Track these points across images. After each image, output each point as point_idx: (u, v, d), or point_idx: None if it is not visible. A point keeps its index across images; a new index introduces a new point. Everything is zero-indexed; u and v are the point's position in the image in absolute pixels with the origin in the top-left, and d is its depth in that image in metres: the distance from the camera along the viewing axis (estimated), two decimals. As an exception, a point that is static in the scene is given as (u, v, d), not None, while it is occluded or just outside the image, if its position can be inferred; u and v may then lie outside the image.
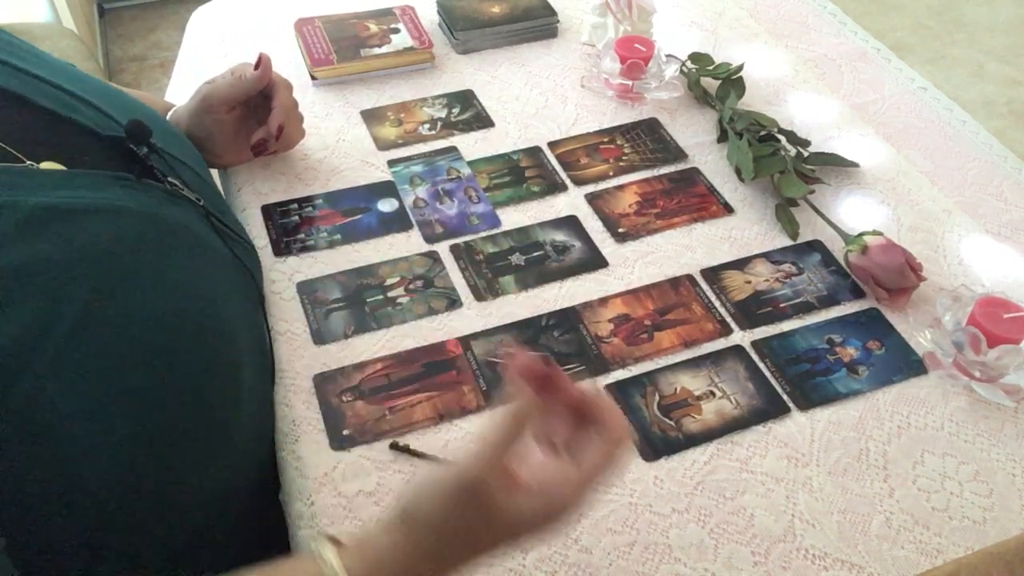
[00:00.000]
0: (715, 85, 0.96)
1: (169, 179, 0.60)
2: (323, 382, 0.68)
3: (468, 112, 0.94)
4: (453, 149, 0.89)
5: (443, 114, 0.93)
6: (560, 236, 0.80)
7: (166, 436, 0.51)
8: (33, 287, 0.47)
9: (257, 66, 0.79)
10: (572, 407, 0.49)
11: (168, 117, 0.81)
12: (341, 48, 0.98)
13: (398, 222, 0.81)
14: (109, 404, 0.48)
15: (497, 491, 0.45)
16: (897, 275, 0.73)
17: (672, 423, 0.66)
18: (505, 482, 0.46)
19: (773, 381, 0.69)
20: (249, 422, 0.60)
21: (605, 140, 0.91)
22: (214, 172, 0.87)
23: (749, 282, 0.77)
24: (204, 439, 0.54)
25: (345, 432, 0.64)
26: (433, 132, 0.91)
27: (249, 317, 0.65)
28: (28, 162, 0.52)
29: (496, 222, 0.81)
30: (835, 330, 0.73)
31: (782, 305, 0.75)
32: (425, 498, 0.46)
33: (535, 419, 0.47)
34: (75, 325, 0.47)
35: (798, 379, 0.69)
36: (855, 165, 0.88)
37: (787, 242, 0.80)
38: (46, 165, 0.53)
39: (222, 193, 0.86)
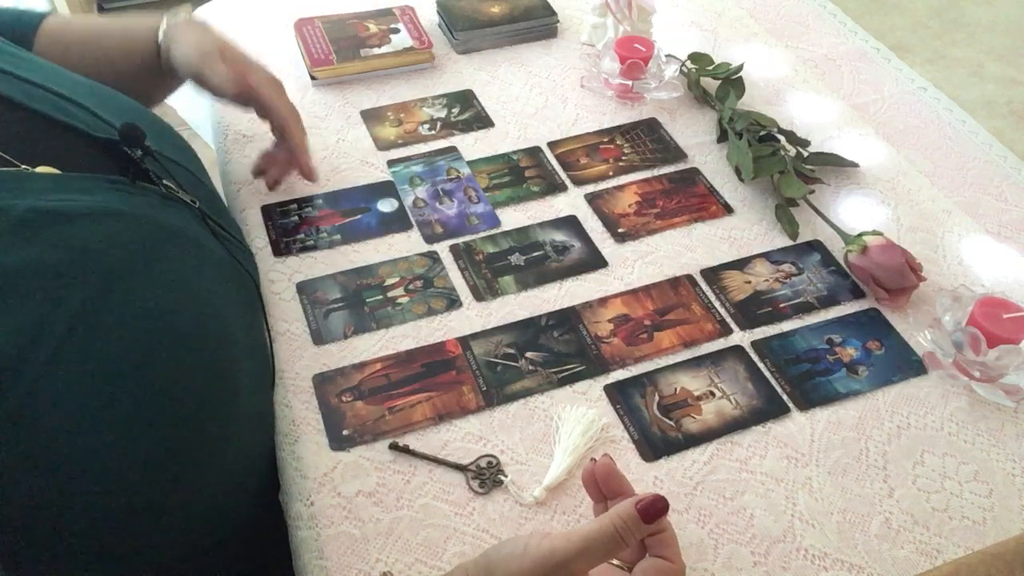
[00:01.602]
0: (715, 85, 0.96)
1: (164, 181, 0.60)
2: (323, 382, 0.68)
3: (468, 112, 0.94)
4: (453, 149, 0.89)
5: (443, 114, 0.93)
6: (560, 236, 0.80)
7: (162, 439, 0.51)
8: (26, 291, 0.46)
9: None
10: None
11: (162, 36, 0.77)
12: (341, 48, 0.98)
13: (398, 222, 0.81)
14: (104, 408, 0.47)
15: None
16: (897, 275, 0.73)
17: (672, 423, 0.66)
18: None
19: (773, 381, 0.69)
20: (247, 423, 0.60)
21: (605, 140, 0.91)
22: (213, 174, 0.87)
23: (749, 282, 0.77)
24: (201, 441, 0.54)
25: (345, 432, 0.64)
26: (433, 132, 0.91)
27: (246, 319, 0.65)
28: (23, 166, 0.52)
29: (496, 222, 0.81)
30: (835, 330, 0.73)
31: (782, 305, 0.75)
32: (511, 558, 0.47)
33: (625, 549, 0.48)
34: (69, 329, 0.47)
35: (798, 379, 0.69)
36: (855, 165, 0.88)
37: (787, 242, 0.80)
38: (41, 169, 0.53)
39: (221, 192, 0.86)
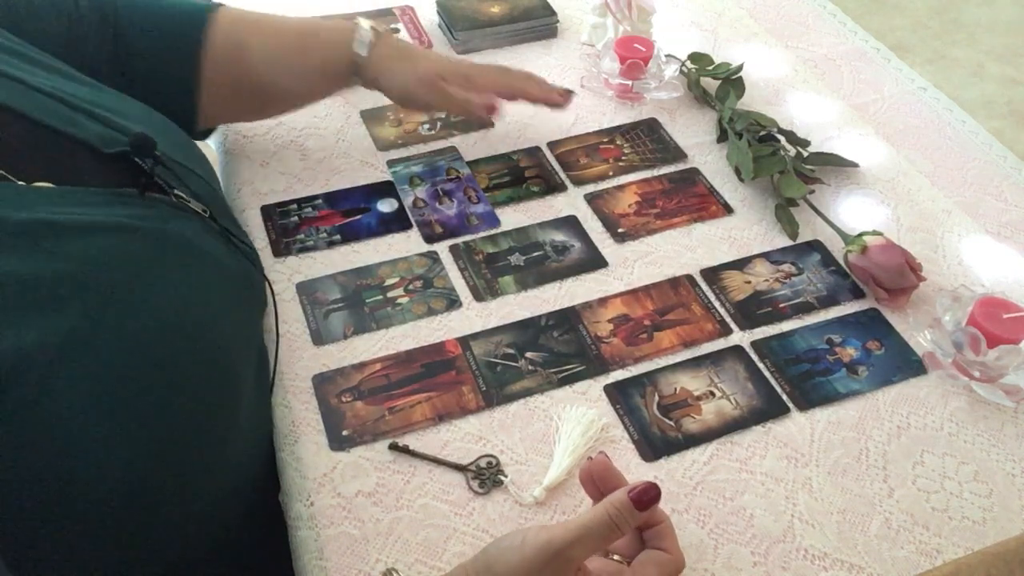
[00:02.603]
0: (715, 85, 0.96)
1: (176, 191, 0.59)
2: (322, 383, 0.68)
3: (468, 112, 0.94)
4: (453, 149, 0.89)
5: (443, 114, 0.93)
6: (560, 236, 0.80)
7: (163, 447, 0.51)
8: (22, 302, 0.46)
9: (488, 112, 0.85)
10: (638, 527, 0.52)
11: (359, 48, 0.80)
12: (341, 48, 0.98)
13: (398, 222, 0.81)
14: (104, 417, 0.47)
15: (575, 570, 0.48)
16: (897, 275, 0.73)
17: (672, 423, 0.66)
18: (582, 567, 0.48)
19: (773, 381, 0.69)
20: (247, 426, 0.60)
21: (605, 140, 0.91)
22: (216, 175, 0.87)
23: (749, 282, 0.77)
24: (202, 449, 0.54)
25: (344, 433, 0.64)
26: (432, 132, 0.91)
27: (250, 324, 0.65)
28: (19, 182, 0.51)
29: (495, 222, 0.81)
30: (835, 330, 0.73)
31: (782, 305, 0.75)
32: (510, 551, 0.48)
33: (621, 536, 0.49)
34: (68, 341, 0.47)
35: (798, 379, 0.69)
36: (855, 165, 0.88)
37: (787, 242, 0.80)
38: (39, 185, 0.52)
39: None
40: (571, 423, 0.64)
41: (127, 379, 0.49)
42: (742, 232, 0.82)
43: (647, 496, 0.49)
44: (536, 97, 0.87)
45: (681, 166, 0.88)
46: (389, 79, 0.81)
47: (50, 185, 0.53)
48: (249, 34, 0.77)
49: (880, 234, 0.76)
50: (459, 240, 0.80)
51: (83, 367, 0.47)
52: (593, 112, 0.95)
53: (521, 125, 0.92)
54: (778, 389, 0.68)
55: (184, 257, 0.57)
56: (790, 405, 0.67)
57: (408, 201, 0.83)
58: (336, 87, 0.85)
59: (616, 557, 0.52)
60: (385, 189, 0.84)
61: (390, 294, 0.75)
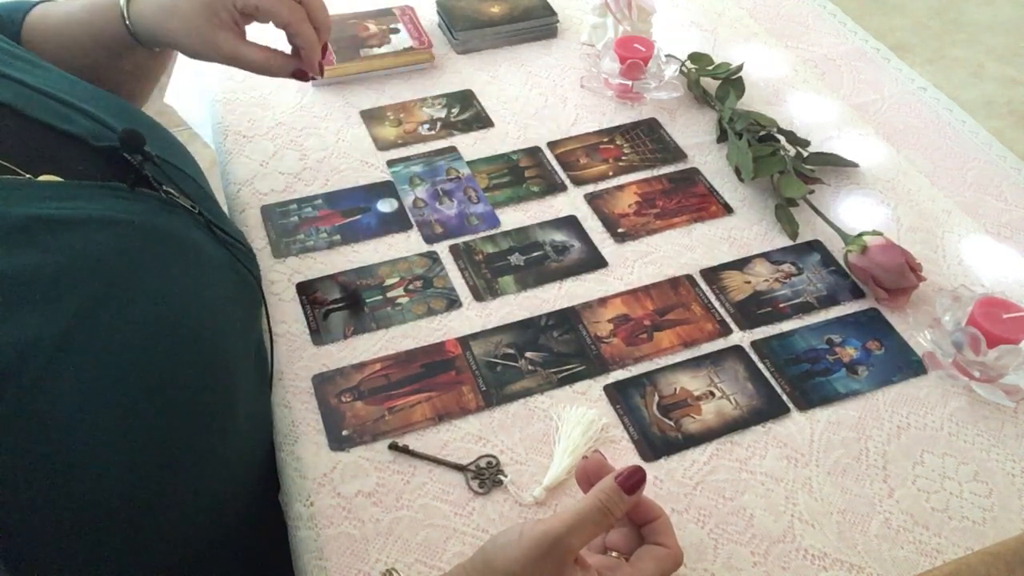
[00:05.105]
0: (715, 85, 0.96)
1: (164, 187, 0.59)
2: (322, 383, 0.68)
3: (468, 112, 0.94)
4: (452, 149, 0.89)
5: (443, 114, 0.93)
6: (559, 236, 0.80)
7: (160, 443, 0.51)
8: (22, 296, 0.46)
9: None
10: (635, 522, 0.53)
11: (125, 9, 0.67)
12: (341, 48, 0.98)
13: (397, 222, 0.81)
14: (101, 413, 0.47)
15: (573, 560, 0.48)
16: (897, 275, 0.73)
17: (672, 423, 0.66)
18: (578, 556, 0.49)
19: (773, 381, 0.69)
20: (246, 425, 0.60)
21: (605, 140, 0.91)
22: (213, 174, 0.87)
23: (749, 282, 0.77)
24: (199, 445, 0.54)
25: (344, 433, 0.64)
26: (432, 132, 0.91)
27: (246, 322, 0.65)
28: (27, 175, 0.52)
29: (495, 222, 0.81)
30: (835, 330, 0.73)
31: (782, 305, 0.75)
32: (508, 546, 0.48)
33: (614, 522, 0.50)
34: (65, 334, 0.47)
35: (798, 379, 0.69)
36: (855, 165, 0.88)
37: (787, 242, 0.80)
38: (44, 178, 0.53)
39: (221, 193, 0.86)
40: (571, 423, 0.64)
41: (123, 373, 0.49)
42: (742, 232, 0.81)
43: (633, 479, 0.49)
44: (306, 50, 0.73)
45: (681, 166, 0.88)
46: (160, 27, 0.66)
47: (57, 179, 0.53)
48: (48, 36, 0.70)
49: (880, 234, 0.76)
50: (459, 240, 0.79)
51: (80, 362, 0.47)
52: (593, 112, 0.95)
53: (521, 125, 0.92)
54: (778, 389, 0.68)
55: (176, 252, 0.57)
56: (790, 405, 0.67)
57: (408, 201, 0.83)
58: (124, 55, 0.70)
59: (614, 553, 0.52)
60: (385, 189, 0.84)
61: (390, 294, 0.75)
